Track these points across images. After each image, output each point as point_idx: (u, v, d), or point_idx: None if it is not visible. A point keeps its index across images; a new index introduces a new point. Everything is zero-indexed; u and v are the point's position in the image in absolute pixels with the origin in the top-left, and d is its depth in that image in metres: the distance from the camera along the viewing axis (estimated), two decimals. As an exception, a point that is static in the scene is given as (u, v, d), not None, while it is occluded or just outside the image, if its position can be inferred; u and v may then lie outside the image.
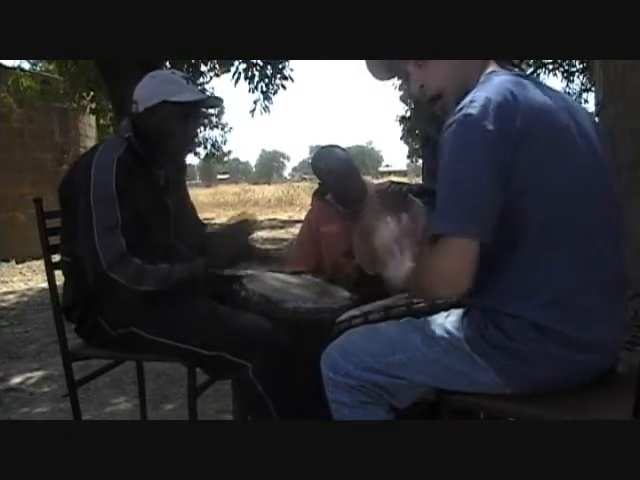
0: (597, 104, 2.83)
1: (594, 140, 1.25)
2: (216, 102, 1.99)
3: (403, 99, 17.97)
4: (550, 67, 11.35)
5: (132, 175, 1.73)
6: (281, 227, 12.25)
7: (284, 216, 15.58)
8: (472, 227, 1.14)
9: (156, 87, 1.79)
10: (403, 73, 1.39)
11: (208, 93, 13.71)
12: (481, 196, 1.14)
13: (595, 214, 1.21)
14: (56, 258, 1.89)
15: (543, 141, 1.16)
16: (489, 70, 1.29)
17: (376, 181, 2.88)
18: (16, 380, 3.21)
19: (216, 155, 19.12)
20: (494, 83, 1.21)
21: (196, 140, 1.93)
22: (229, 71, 9.41)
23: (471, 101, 1.17)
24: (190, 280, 1.72)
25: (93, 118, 10.85)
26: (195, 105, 1.82)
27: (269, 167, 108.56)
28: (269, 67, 8.79)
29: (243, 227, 1.90)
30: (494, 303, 1.22)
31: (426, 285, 1.21)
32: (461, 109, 1.17)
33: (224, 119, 18.21)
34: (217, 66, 11.52)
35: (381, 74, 1.47)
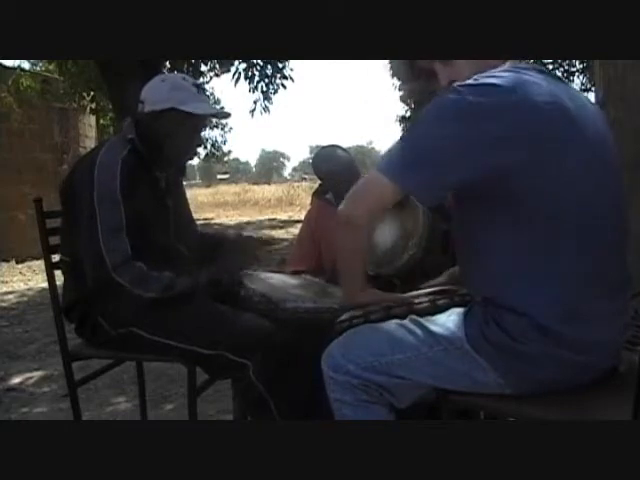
0: (597, 104, 2.83)
1: (603, 138, 1.25)
2: (224, 116, 2.00)
3: (403, 99, 17.97)
4: (550, 67, 11.35)
5: (135, 177, 1.73)
6: (281, 227, 12.23)
7: (284, 216, 15.56)
8: (395, 172, 1.19)
9: (166, 92, 1.77)
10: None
11: (208, 93, 13.72)
12: (424, 153, 1.18)
13: (600, 213, 1.20)
14: (56, 258, 1.89)
15: (547, 140, 1.15)
16: (507, 64, 1.29)
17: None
18: (16, 380, 3.21)
19: (216, 155, 19.11)
20: (504, 72, 1.21)
21: (198, 147, 1.94)
22: (229, 71, 9.41)
23: (475, 79, 1.18)
24: (192, 292, 1.74)
25: (93, 118, 10.84)
26: (203, 117, 1.83)
27: (269, 167, 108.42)
28: (269, 67, 8.78)
29: (250, 242, 1.92)
30: (495, 303, 1.22)
31: (339, 208, 1.28)
32: (462, 82, 1.19)
33: (224, 119, 18.22)
34: (217, 66, 11.51)
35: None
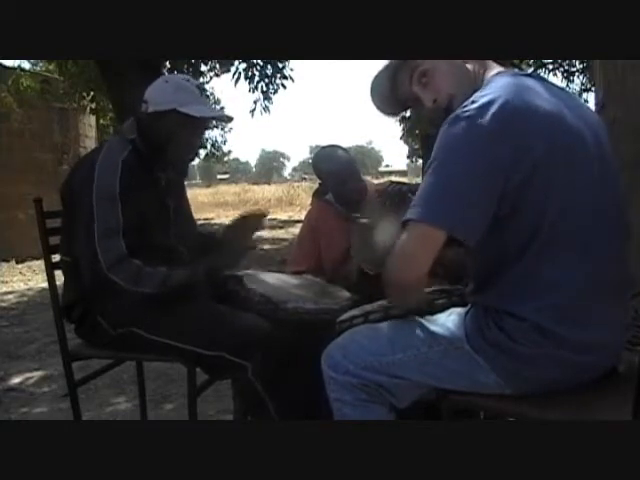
0: (597, 104, 2.83)
1: (602, 141, 1.25)
2: (226, 119, 2.00)
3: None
4: (550, 67, 11.34)
5: (135, 177, 1.73)
6: (281, 227, 12.24)
7: (284, 216, 15.57)
8: (439, 217, 1.14)
9: (169, 93, 1.77)
10: (411, 100, 1.38)
11: (208, 93, 13.69)
12: (460, 191, 1.14)
13: (600, 216, 1.20)
14: (56, 258, 1.89)
15: (548, 144, 1.15)
16: (495, 71, 1.29)
17: (376, 181, 2.88)
18: (16, 380, 3.21)
19: (216, 155, 19.11)
20: (498, 85, 1.20)
21: (199, 149, 1.93)
22: (229, 71, 9.41)
23: (472, 101, 1.17)
24: (189, 285, 1.73)
25: (93, 118, 10.85)
26: (205, 120, 1.83)
27: (269, 167, 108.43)
28: (269, 67, 8.78)
29: (245, 228, 1.89)
30: (496, 303, 1.22)
31: (387, 271, 1.21)
32: (462, 107, 1.17)
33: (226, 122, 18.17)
34: (217, 66, 11.52)
35: (390, 110, 1.46)
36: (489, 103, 1.15)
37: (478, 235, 1.17)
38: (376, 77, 1.41)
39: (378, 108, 1.45)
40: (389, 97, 1.42)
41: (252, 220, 1.89)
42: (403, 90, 1.38)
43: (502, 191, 1.15)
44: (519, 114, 1.15)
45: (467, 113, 1.15)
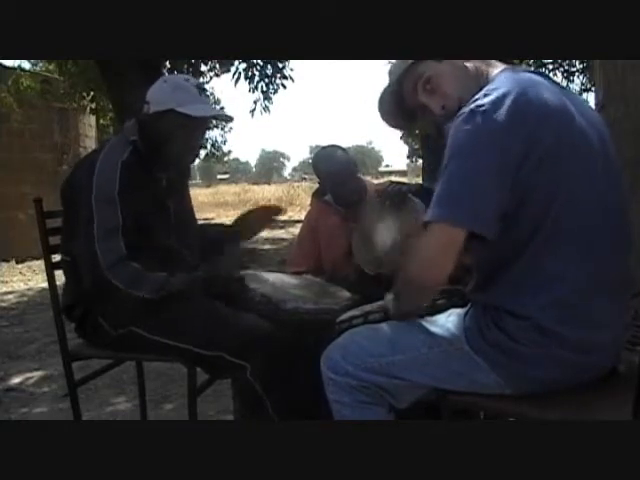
0: (597, 104, 2.83)
1: (606, 138, 1.25)
2: (225, 119, 2.00)
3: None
4: (550, 67, 11.33)
5: (135, 178, 1.73)
6: (281, 227, 12.23)
7: (284, 216, 15.55)
8: (459, 215, 1.14)
9: (168, 93, 1.77)
10: (419, 109, 1.38)
11: (208, 93, 13.68)
12: (479, 187, 1.13)
13: (602, 215, 1.20)
14: (56, 258, 1.89)
15: (555, 137, 1.15)
16: (500, 69, 1.29)
17: (376, 181, 2.88)
18: (16, 380, 3.21)
19: (216, 155, 19.11)
20: (508, 79, 1.21)
21: (199, 149, 1.94)
22: (229, 71, 9.40)
23: (485, 94, 1.17)
24: (187, 291, 1.73)
25: (93, 118, 10.85)
26: (203, 119, 1.83)
27: (269, 167, 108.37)
28: (269, 67, 8.78)
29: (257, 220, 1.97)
30: (497, 301, 1.22)
31: (409, 272, 1.20)
32: (474, 101, 1.17)
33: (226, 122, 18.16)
34: (217, 66, 11.51)
35: (401, 124, 1.46)
36: (503, 96, 1.14)
37: (495, 229, 1.16)
38: (381, 95, 1.41)
39: (389, 124, 1.45)
40: (397, 111, 1.41)
41: (266, 212, 1.94)
42: (410, 101, 1.37)
43: (512, 184, 1.15)
44: (531, 107, 1.15)
45: (482, 108, 1.14)
